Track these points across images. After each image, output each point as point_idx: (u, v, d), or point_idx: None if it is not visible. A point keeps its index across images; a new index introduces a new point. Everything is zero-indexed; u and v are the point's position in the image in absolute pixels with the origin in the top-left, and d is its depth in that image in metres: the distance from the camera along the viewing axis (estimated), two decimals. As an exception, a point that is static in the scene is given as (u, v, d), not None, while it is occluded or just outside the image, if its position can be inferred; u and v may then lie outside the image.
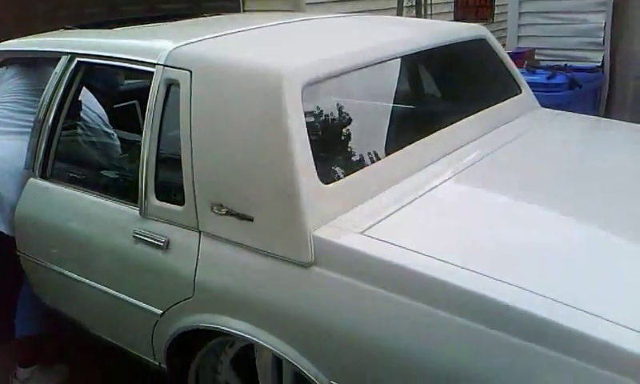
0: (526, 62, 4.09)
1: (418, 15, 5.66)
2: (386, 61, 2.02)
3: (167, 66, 1.90)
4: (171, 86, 1.88)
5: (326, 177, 1.66)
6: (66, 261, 2.19)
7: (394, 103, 2.20)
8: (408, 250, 1.48)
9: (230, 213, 1.69)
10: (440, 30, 2.51)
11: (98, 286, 2.06)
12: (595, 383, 1.19)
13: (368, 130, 1.98)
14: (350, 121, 1.95)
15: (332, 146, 1.84)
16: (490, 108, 2.38)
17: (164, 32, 2.42)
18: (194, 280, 1.76)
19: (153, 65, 1.94)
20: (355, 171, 1.77)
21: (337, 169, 1.76)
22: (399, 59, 2.12)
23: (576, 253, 1.54)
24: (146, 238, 1.88)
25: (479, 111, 2.31)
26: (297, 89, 1.67)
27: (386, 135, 2.00)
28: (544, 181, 2.01)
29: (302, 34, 2.29)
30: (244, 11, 5.23)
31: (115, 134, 2.43)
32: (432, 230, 1.63)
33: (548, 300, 1.29)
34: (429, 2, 5.63)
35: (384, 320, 1.46)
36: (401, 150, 1.90)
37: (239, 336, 1.70)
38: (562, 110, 2.92)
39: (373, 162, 1.83)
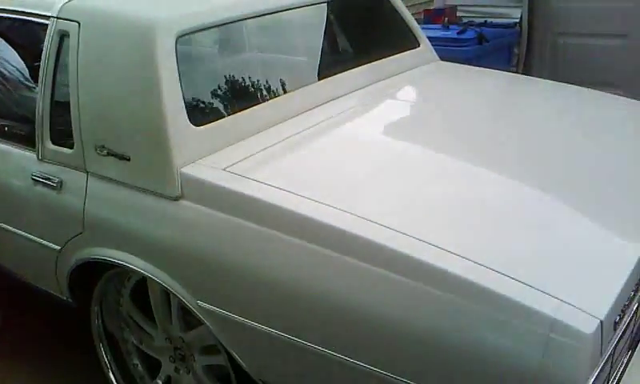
0: (445, 19, 4.24)
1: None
2: (265, 14, 2.17)
3: (60, 18, 2.02)
4: (63, 37, 2.01)
5: (197, 120, 1.82)
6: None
7: (270, 54, 2.35)
8: (261, 183, 1.65)
9: (110, 153, 1.85)
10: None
11: (4, 226, 2.22)
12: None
13: (243, 78, 2.13)
14: (224, 70, 2.10)
15: (205, 92, 1.99)
16: (382, 60, 2.55)
17: None
18: (83, 216, 1.93)
19: (47, 17, 2.06)
20: (226, 116, 1.93)
21: (208, 113, 1.92)
22: (282, 13, 2.26)
23: (413, 181, 1.74)
24: (42, 180, 2.04)
25: (369, 62, 2.48)
26: (170, 38, 1.81)
27: (260, 84, 2.15)
28: (418, 126, 2.20)
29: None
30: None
31: (16, 83, 2.55)
32: (288, 168, 1.81)
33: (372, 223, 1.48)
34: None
35: (240, 245, 1.63)
36: (275, 98, 2.07)
37: (123, 265, 1.88)
38: (471, 64, 3.10)
39: (245, 108, 1.98)
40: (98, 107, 1.90)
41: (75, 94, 1.93)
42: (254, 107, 2.01)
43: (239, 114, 1.95)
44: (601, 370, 1.29)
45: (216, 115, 1.91)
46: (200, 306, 1.71)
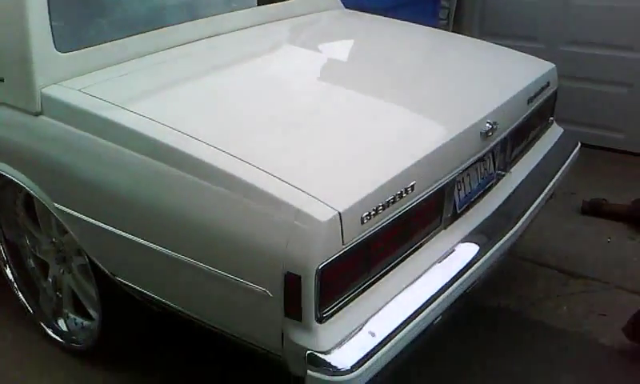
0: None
1: None
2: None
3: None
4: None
5: (65, 46, 2.06)
6: None
7: None
8: (104, 100, 1.91)
9: (-11, 76, 2.11)
10: None
11: None
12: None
13: (114, 9, 2.35)
14: (100, 2, 2.32)
15: (75, 22, 2.21)
16: (279, 2, 2.76)
17: None
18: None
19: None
20: (94, 45, 2.16)
21: (76, 41, 2.13)
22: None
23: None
24: None
25: (261, 4, 2.70)
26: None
27: (135, 16, 2.38)
28: (301, 64, 2.44)
29: None
30: None
31: None
32: (141, 92, 2.06)
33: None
34: None
35: (85, 155, 1.89)
36: (152, 31, 2.29)
37: (2, 175, 2.15)
38: (387, 15, 3.28)
39: (113, 39, 2.20)
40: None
41: None
42: (124, 39, 2.24)
43: (108, 43, 2.18)
44: (346, 257, 1.55)
45: (84, 43, 2.14)
46: (57, 208, 1.99)
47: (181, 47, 2.34)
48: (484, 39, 3.30)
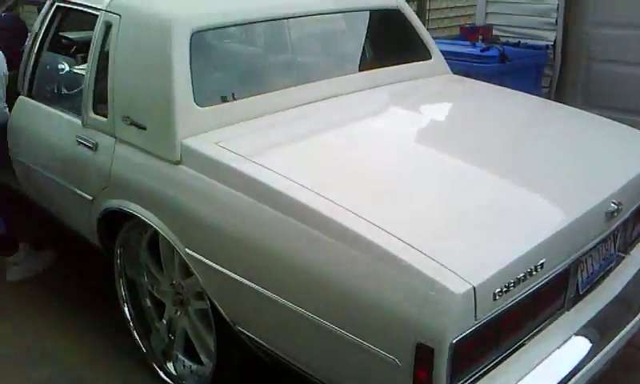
0: (480, 37, 4.42)
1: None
2: (278, 19, 2.55)
3: (107, 11, 2.49)
4: (108, 26, 2.47)
5: (203, 101, 2.21)
6: (35, 158, 2.85)
7: (279, 53, 2.71)
8: (241, 156, 2.02)
9: (132, 123, 2.28)
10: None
11: (55, 178, 2.71)
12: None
13: (249, 70, 2.51)
14: (232, 61, 2.48)
15: (213, 79, 2.38)
16: (390, 67, 2.85)
17: None
18: (110, 173, 2.37)
19: (98, 10, 2.53)
20: (229, 101, 2.31)
21: (213, 97, 2.29)
22: (297, 19, 2.62)
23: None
24: (83, 142, 2.50)
25: (377, 68, 2.79)
26: (185, 34, 2.21)
27: (267, 76, 2.52)
28: (412, 126, 2.50)
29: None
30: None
31: (77, 65, 3.05)
32: (270, 147, 2.16)
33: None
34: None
35: (220, 206, 2.00)
36: (277, 90, 2.43)
37: (135, 215, 2.29)
38: (492, 82, 3.33)
39: (246, 96, 2.35)
40: (127, 85, 2.34)
41: (112, 73, 2.38)
42: (257, 96, 2.38)
43: (242, 100, 2.33)
44: (477, 332, 1.54)
45: (220, 99, 2.30)
46: (188, 254, 2.10)
47: (308, 105, 2.45)
48: (586, 110, 3.25)
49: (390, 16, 3.03)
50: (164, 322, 2.59)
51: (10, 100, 3.00)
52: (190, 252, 2.08)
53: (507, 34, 4.59)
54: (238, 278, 1.93)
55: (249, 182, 1.92)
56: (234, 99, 2.34)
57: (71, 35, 3.05)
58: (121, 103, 2.34)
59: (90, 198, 2.51)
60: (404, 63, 2.93)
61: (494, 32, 4.57)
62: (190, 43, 2.22)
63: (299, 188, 1.83)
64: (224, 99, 2.32)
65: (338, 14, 2.83)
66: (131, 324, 2.65)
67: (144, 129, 2.24)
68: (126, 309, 2.66)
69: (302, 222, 1.77)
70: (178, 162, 2.12)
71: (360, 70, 2.75)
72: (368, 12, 2.95)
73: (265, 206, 1.86)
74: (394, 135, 2.39)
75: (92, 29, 2.63)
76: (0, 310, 2.96)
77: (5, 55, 3.03)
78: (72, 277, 3.24)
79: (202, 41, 2.30)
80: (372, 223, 1.67)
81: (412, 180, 2.00)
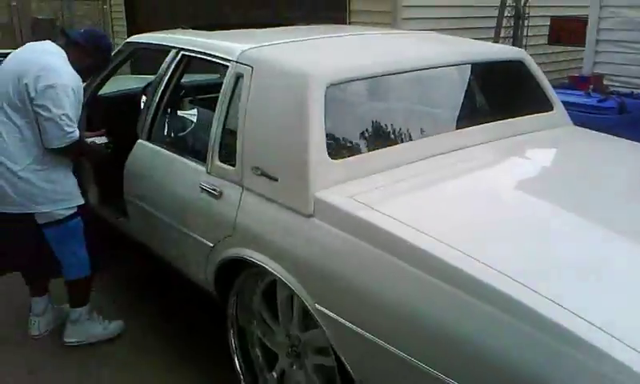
0: (591, 87, 4.28)
1: (515, 37, 5.95)
2: (406, 72, 2.52)
3: (238, 63, 2.53)
4: (239, 77, 2.51)
5: (335, 154, 2.19)
6: (152, 202, 2.91)
7: (411, 106, 2.67)
8: (378, 211, 1.97)
9: (263, 174, 2.28)
10: (477, 50, 2.94)
11: (173, 222, 2.75)
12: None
13: (378, 123, 2.47)
14: (363, 114, 2.46)
15: (345, 132, 2.36)
16: (514, 118, 2.77)
17: (245, 37, 3.07)
18: (235, 222, 2.37)
19: (229, 61, 2.58)
20: (360, 153, 2.28)
21: (345, 150, 2.28)
22: (426, 71, 2.60)
23: (524, 232, 1.95)
24: (208, 189, 2.52)
25: (501, 119, 2.72)
26: (321, 87, 2.22)
27: (394, 129, 2.48)
28: (539, 180, 2.40)
29: (345, 46, 2.84)
30: (349, 22, 5.83)
31: (200, 111, 3.12)
32: (406, 202, 2.11)
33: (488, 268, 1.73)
34: (525, 24, 5.90)
35: (357, 262, 1.95)
36: (405, 142, 2.39)
37: (260, 266, 2.27)
38: (611, 133, 3.18)
39: (377, 148, 2.32)
40: (258, 136, 2.35)
41: (242, 124, 2.40)
42: (386, 148, 2.35)
43: (372, 152, 2.30)
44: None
45: (352, 152, 2.27)
46: (318, 310, 2.05)
47: (435, 157, 2.40)
48: None
49: (513, 67, 2.97)
50: (274, 374, 2.55)
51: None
52: (321, 308, 2.03)
53: (617, 84, 4.43)
54: (373, 338, 1.86)
55: (387, 239, 1.87)
56: (365, 151, 2.32)
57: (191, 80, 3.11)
58: (251, 154, 2.36)
59: (211, 245, 2.51)
60: (527, 115, 2.85)
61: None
62: (325, 96, 2.22)
63: (445, 248, 1.76)
64: (354, 152, 2.30)
65: (462, 66, 2.78)
66: (241, 376, 2.62)
67: (275, 180, 2.23)
68: (236, 360, 2.63)
69: (451, 285, 1.69)
70: (310, 215, 2.10)
71: (485, 122, 2.67)
72: (487, 63, 2.89)
73: (406, 265, 1.80)
74: (529, 189, 2.32)
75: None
76: (118, 359, 2.98)
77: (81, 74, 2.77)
78: (180, 324, 3.25)
79: (335, 93, 2.30)
80: (535, 291, 1.57)
81: (552, 237, 1.90)
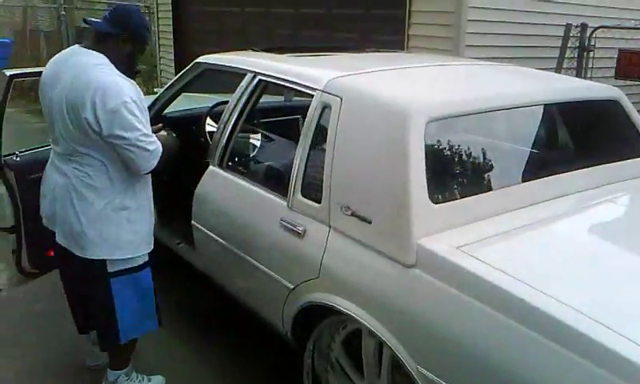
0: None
1: (579, 69, 5.71)
2: (507, 109, 2.33)
3: (325, 92, 2.37)
4: (325, 107, 2.35)
5: (437, 197, 2.01)
6: (224, 232, 2.75)
7: (510, 145, 2.48)
8: (492, 266, 1.77)
9: (354, 214, 2.11)
10: (572, 87, 2.74)
11: (247, 257, 2.58)
12: None
13: (482, 164, 2.29)
14: (466, 154, 2.28)
15: (446, 173, 2.18)
16: (610, 164, 2.56)
17: (329, 63, 2.92)
18: (321, 264, 2.20)
19: (314, 90, 2.43)
20: (463, 197, 2.10)
21: (447, 192, 2.10)
22: (521, 109, 2.40)
23: None
24: (289, 226, 2.36)
25: (598, 165, 2.51)
26: (421, 123, 2.04)
27: (497, 171, 2.30)
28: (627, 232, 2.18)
29: (439, 77, 2.66)
30: (407, 48, 5.67)
31: (277, 140, 2.97)
32: (518, 256, 1.91)
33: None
34: (590, 55, 5.67)
35: (468, 323, 1.75)
36: (509, 186, 2.20)
37: (349, 315, 2.09)
38: None
39: (480, 192, 2.14)
40: (348, 172, 2.18)
41: (330, 157, 2.24)
42: (492, 192, 2.16)
43: (476, 196, 2.12)
44: None
45: (454, 195, 2.09)
46: (419, 372, 1.85)
47: (543, 204, 2.20)
48: None
49: (607, 106, 2.75)
50: (352, 428, 2.36)
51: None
52: (425, 371, 1.84)
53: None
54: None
55: (507, 300, 1.67)
56: (466, 195, 2.13)
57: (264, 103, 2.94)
58: (339, 191, 2.19)
59: (291, 286, 2.34)
60: (626, 159, 2.63)
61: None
62: (425, 134, 2.04)
63: (574, 314, 1.56)
64: (456, 195, 2.12)
65: (557, 105, 2.59)
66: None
67: (368, 222, 2.06)
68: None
69: (583, 357, 1.48)
70: (411, 266, 1.91)
71: (584, 167, 2.46)
72: (585, 102, 2.69)
73: (535, 335, 1.59)
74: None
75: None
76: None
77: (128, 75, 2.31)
78: (246, 364, 3.06)
79: (434, 130, 2.13)
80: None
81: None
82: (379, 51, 3.47)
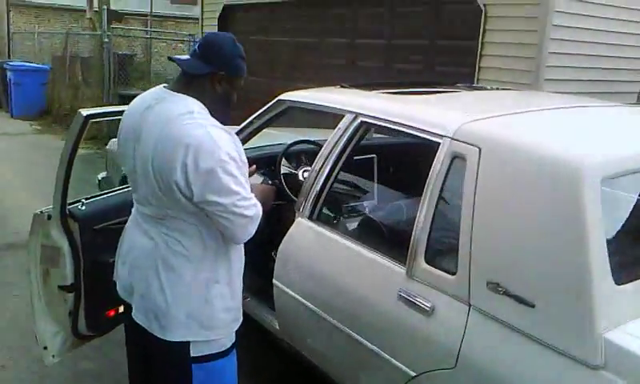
0: None
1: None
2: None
3: (455, 140, 1.99)
4: (455, 158, 1.97)
5: (620, 276, 1.60)
6: (318, 299, 2.35)
7: None
8: None
9: (507, 293, 1.70)
10: None
11: (349, 330, 2.17)
12: None
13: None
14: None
15: (626, 244, 1.78)
16: None
17: (448, 104, 2.54)
18: (459, 352, 1.79)
19: (440, 136, 2.04)
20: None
21: (632, 270, 1.69)
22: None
23: None
24: (409, 299, 1.96)
25: None
26: (597, 183, 1.64)
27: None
28: None
29: (588, 123, 2.25)
30: (478, 80, 5.29)
31: (383, 190, 2.56)
32: None
33: None
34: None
35: None
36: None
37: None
38: None
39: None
40: (497, 240, 1.78)
41: (468, 221, 1.84)
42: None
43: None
44: None
45: (637, 274, 1.68)
46: None
47: None
48: None
49: None
50: None
51: None
52: None
53: None
54: None
55: None
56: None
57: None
58: (484, 263, 1.79)
59: (412, 374, 1.93)
60: None
61: None
62: (601, 195, 1.64)
63: None
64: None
65: None
66: None
67: (530, 306, 1.65)
68: None
69: None
70: (598, 367, 1.50)
71: None
72: None
73: None
74: None
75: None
76: None
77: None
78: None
79: (609, 191, 1.72)
80: None
81: None
82: (481, 88, 3.08)
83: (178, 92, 1.86)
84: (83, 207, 2.48)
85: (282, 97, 2.92)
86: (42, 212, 2.45)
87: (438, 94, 2.69)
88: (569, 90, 4.75)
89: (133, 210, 2.02)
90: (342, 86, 2.96)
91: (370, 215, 2.45)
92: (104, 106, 9.81)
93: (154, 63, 13.05)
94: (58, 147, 9.16)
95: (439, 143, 2.04)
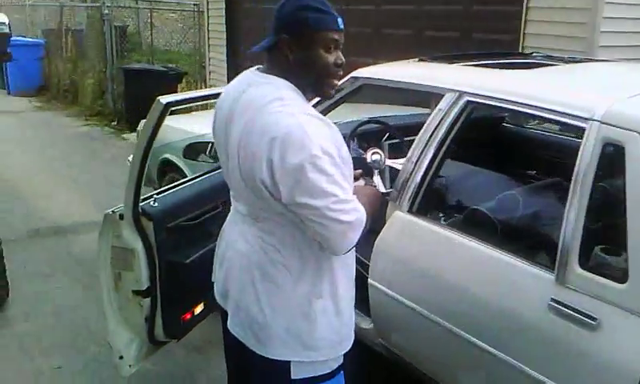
0: None
1: None
2: None
3: (605, 124, 1.72)
4: (607, 145, 1.70)
5: None
6: (434, 304, 2.08)
7: None
8: None
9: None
10: None
11: (481, 343, 1.92)
12: None
13: None
14: None
15: None
16: None
17: (582, 80, 2.25)
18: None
19: (584, 119, 1.77)
20: None
21: None
22: None
23: None
24: (566, 310, 1.70)
25: None
26: None
27: None
28: None
29: None
30: (523, 48, 5.00)
31: (505, 180, 2.29)
32: None
33: None
34: None
35: None
36: None
37: None
38: None
39: None
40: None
41: (636, 218, 1.58)
42: None
43: None
44: None
45: None
46: None
47: None
48: None
49: None
50: None
51: None
52: None
53: None
54: None
55: None
56: None
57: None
58: (668, 270, 1.53)
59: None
60: None
61: None
62: None
63: None
64: None
65: None
66: None
67: None
68: None
69: None
70: None
71: None
72: None
73: None
74: None
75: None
76: None
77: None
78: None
79: None
80: None
81: None
82: (563, 60, 2.78)
83: (267, 73, 1.57)
84: (156, 204, 2.20)
85: (356, 74, 2.62)
86: (113, 211, 2.18)
87: (542, 67, 2.40)
88: (622, 56, 4.49)
89: (232, 207, 1.75)
90: (421, 60, 2.66)
91: (494, 209, 2.17)
92: (106, 80, 9.43)
93: (156, 35, 12.42)
94: (63, 124, 8.91)
95: (584, 128, 1.77)
